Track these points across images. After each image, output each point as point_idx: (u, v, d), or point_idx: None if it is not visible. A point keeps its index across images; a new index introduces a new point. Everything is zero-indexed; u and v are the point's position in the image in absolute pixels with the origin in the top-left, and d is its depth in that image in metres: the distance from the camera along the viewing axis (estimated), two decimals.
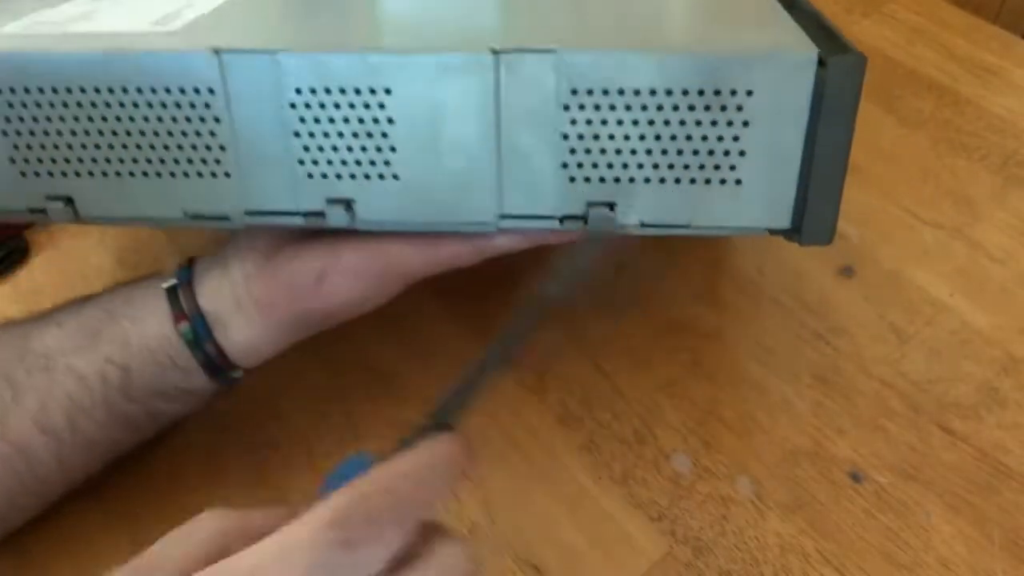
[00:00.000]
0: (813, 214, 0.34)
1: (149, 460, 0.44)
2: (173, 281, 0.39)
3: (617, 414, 0.46)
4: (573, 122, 0.33)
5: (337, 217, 0.35)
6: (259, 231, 0.39)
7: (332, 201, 0.35)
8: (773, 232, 0.35)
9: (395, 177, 0.35)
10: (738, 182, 0.34)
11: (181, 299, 0.38)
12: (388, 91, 0.33)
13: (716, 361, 0.48)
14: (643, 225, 0.35)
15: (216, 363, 0.38)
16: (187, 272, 0.39)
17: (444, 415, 0.30)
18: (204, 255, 0.41)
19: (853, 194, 0.56)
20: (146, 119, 0.34)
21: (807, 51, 0.31)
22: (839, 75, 0.31)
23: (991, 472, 0.43)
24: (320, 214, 0.35)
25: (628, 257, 0.53)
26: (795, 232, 0.34)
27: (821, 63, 0.31)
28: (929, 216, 0.55)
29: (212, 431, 0.45)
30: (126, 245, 0.55)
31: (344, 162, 0.34)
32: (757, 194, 0.34)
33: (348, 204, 0.35)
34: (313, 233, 0.38)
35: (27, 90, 0.34)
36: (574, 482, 0.43)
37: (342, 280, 0.37)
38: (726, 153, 0.33)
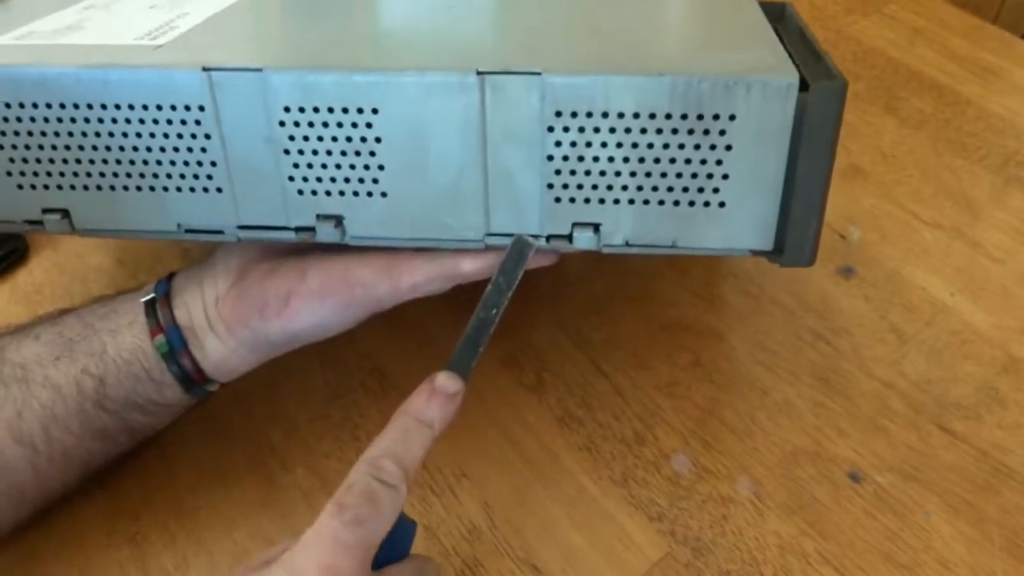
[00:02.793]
0: (795, 236, 0.34)
1: (148, 461, 0.44)
2: (151, 294, 0.39)
3: (617, 414, 0.46)
4: (558, 144, 0.33)
5: (327, 233, 0.36)
6: (232, 252, 0.39)
7: (322, 217, 0.36)
8: (756, 253, 0.35)
9: (383, 195, 0.35)
10: (721, 204, 0.34)
11: (158, 313, 0.39)
12: (375, 110, 0.33)
13: (716, 361, 0.48)
14: (628, 244, 0.35)
15: (191, 377, 0.39)
16: (165, 286, 0.40)
17: (458, 366, 0.34)
18: (190, 264, 0.41)
19: (853, 194, 0.57)
20: (138, 135, 0.35)
21: (788, 77, 0.32)
22: (820, 101, 0.32)
23: (991, 472, 0.43)
24: (311, 230, 0.36)
25: (628, 258, 0.53)
26: (777, 254, 0.35)
27: (803, 87, 0.32)
28: (929, 216, 0.55)
29: (212, 431, 0.45)
30: (126, 245, 0.55)
31: (333, 179, 0.35)
32: (740, 216, 0.34)
33: (338, 220, 0.36)
34: (283, 255, 0.38)
35: (21, 105, 0.35)
36: (574, 482, 0.43)
37: (307, 304, 0.37)
38: (709, 176, 0.33)
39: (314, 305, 0.37)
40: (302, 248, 0.38)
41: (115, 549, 0.41)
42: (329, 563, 0.29)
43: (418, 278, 0.36)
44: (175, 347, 0.38)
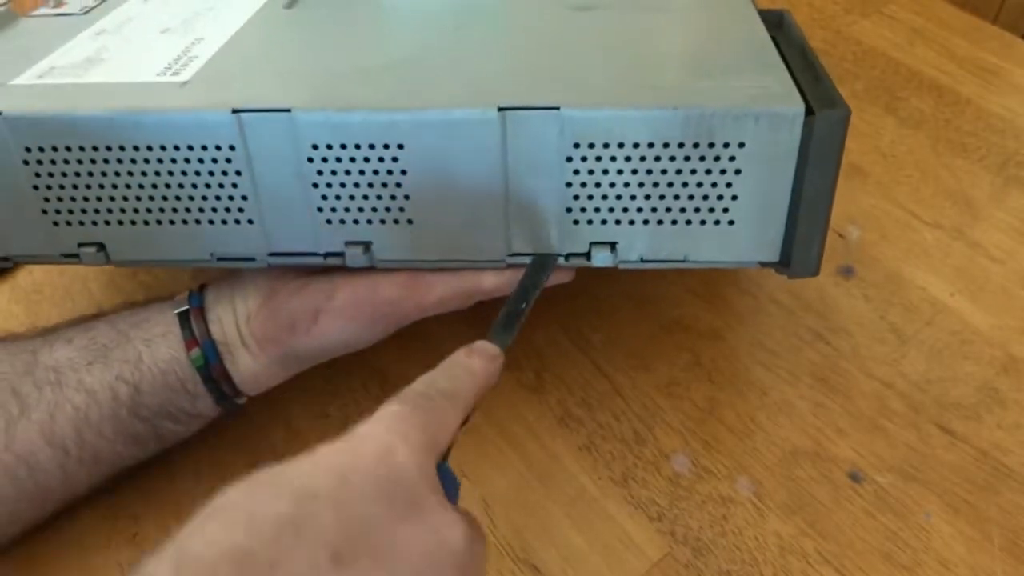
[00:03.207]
0: (801, 249, 0.36)
1: (148, 462, 0.44)
2: (185, 307, 0.40)
3: (617, 414, 0.46)
4: (576, 172, 0.35)
5: (356, 258, 0.37)
6: (262, 272, 0.40)
7: (351, 244, 0.37)
8: (764, 265, 0.37)
9: (409, 222, 0.36)
10: (731, 223, 0.36)
11: (193, 326, 0.39)
12: (401, 146, 0.34)
13: (716, 361, 0.48)
14: (643, 260, 0.37)
15: (223, 390, 0.40)
16: (198, 299, 0.40)
17: (497, 336, 0.35)
18: (219, 278, 0.42)
19: (853, 194, 0.57)
20: (170, 173, 0.36)
21: (795, 106, 0.33)
22: (825, 128, 0.33)
23: (991, 472, 0.43)
24: (340, 255, 0.37)
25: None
26: (784, 266, 0.37)
27: (808, 111, 0.33)
28: (929, 216, 0.55)
29: (211, 432, 0.45)
30: None
31: (361, 209, 0.36)
32: (748, 233, 0.36)
33: (367, 246, 0.37)
34: (311, 275, 0.39)
35: (55, 148, 0.35)
36: (574, 482, 0.43)
37: (334, 321, 0.38)
38: (719, 198, 0.35)
39: (342, 323, 0.38)
40: (328, 267, 0.39)
41: (115, 550, 0.41)
42: (392, 439, 0.26)
43: (442, 294, 0.38)
44: (210, 361, 0.39)
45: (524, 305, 0.36)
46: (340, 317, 0.38)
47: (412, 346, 0.48)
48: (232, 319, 0.40)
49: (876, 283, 0.51)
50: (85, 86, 0.37)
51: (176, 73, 0.38)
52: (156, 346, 0.39)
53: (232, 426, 0.45)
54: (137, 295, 0.51)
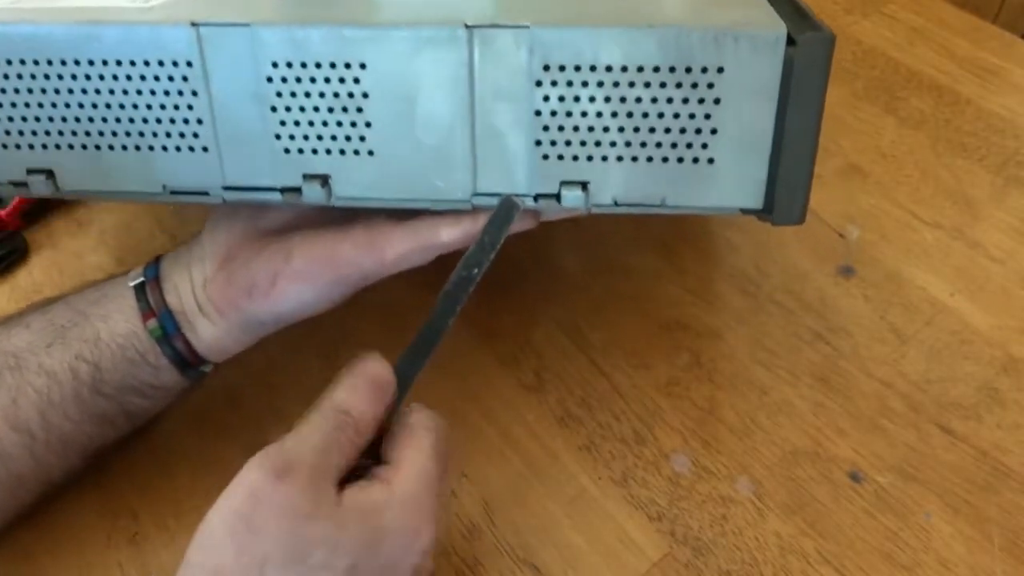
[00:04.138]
0: (784, 194, 0.34)
1: (147, 461, 0.44)
2: (140, 278, 0.39)
3: (617, 414, 0.46)
4: (546, 98, 0.33)
5: (313, 193, 0.36)
6: (218, 233, 0.39)
7: (309, 177, 0.36)
8: (745, 212, 0.35)
9: (370, 153, 0.35)
10: (711, 161, 0.34)
11: (149, 296, 0.39)
12: (363, 65, 0.33)
13: (716, 361, 0.48)
14: (616, 204, 0.35)
15: (186, 359, 0.39)
16: (154, 269, 0.40)
17: (436, 323, 0.35)
18: (176, 247, 0.41)
19: (853, 194, 0.57)
20: (125, 92, 0.35)
21: (776, 29, 0.32)
22: (808, 53, 0.32)
23: (991, 472, 0.43)
24: (297, 190, 0.36)
25: (627, 258, 0.53)
26: (767, 212, 0.35)
27: (790, 41, 0.32)
28: (929, 216, 0.55)
29: (210, 431, 0.45)
30: (126, 245, 0.55)
31: (320, 137, 0.35)
32: (729, 173, 0.34)
33: (324, 180, 0.35)
34: (267, 236, 0.39)
35: (9, 62, 0.35)
36: (574, 482, 0.43)
37: (293, 284, 0.37)
38: (698, 131, 0.33)
39: (301, 286, 0.37)
40: (286, 229, 0.38)
41: (114, 549, 0.41)
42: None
43: (400, 250, 0.37)
44: (168, 331, 0.38)
45: (476, 270, 0.35)
46: (298, 279, 0.37)
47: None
48: (188, 286, 0.39)
49: (876, 283, 0.51)
50: (50, 9, 0.37)
51: (146, 1, 0.37)
52: (113, 321, 0.38)
53: (232, 425, 0.45)
54: None
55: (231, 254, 0.39)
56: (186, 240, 0.41)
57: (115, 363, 0.38)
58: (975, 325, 0.49)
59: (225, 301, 0.38)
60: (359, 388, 0.33)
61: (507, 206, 0.35)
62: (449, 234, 0.36)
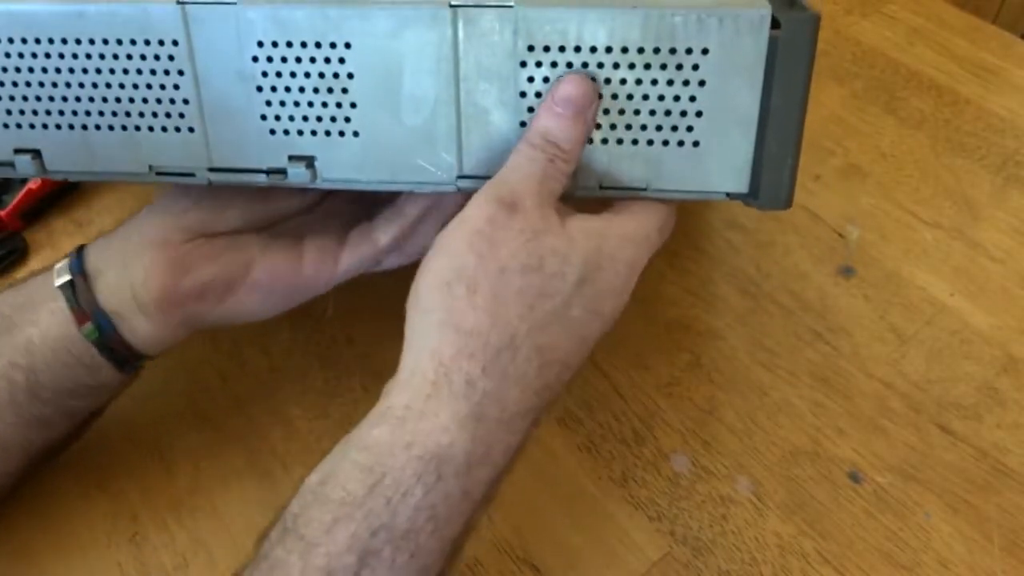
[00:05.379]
0: (770, 178, 0.34)
1: (148, 462, 0.44)
2: (67, 276, 0.38)
3: (617, 414, 0.46)
4: (531, 79, 0.33)
5: (299, 175, 0.36)
6: (147, 224, 0.39)
7: (294, 158, 0.36)
8: (731, 196, 0.35)
9: (355, 134, 0.35)
10: (695, 144, 0.34)
11: (79, 297, 0.37)
12: (348, 45, 0.33)
13: (716, 361, 0.48)
14: (601, 188, 0.35)
15: (122, 356, 0.39)
16: (78, 264, 0.38)
17: None
18: (95, 240, 0.40)
19: (852, 194, 0.57)
20: (111, 71, 0.35)
21: (761, 10, 0.32)
22: (792, 34, 0.32)
23: (991, 472, 0.43)
24: (282, 172, 0.36)
25: None
26: (752, 197, 0.35)
27: (775, 23, 0.32)
28: (929, 216, 0.55)
29: (211, 432, 0.45)
30: None
31: (305, 118, 0.35)
32: (715, 156, 0.34)
33: (310, 162, 0.36)
34: (217, 237, 0.39)
35: None
36: (574, 482, 0.43)
37: (250, 295, 0.38)
38: (683, 113, 0.33)
39: (258, 297, 0.39)
40: (237, 232, 0.39)
41: (115, 549, 0.41)
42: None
43: (348, 264, 0.39)
44: (104, 331, 0.37)
45: None
46: (256, 291, 0.38)
47: None
48: (125, 284, 0.38)
49: (876, 283, 0.51)
50: None
51: None
52: (45, 326, 0.37)
53: (232, 426, 0.45)
54: None
55: (167, 246, 0.38)
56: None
57: (51, 367, 0.37)
58: (975, 325, 0.49)
59: (170, 301, 0.38)
60: (562, 116, 0.33)
61: None
62: (385, 236, 0.39)
